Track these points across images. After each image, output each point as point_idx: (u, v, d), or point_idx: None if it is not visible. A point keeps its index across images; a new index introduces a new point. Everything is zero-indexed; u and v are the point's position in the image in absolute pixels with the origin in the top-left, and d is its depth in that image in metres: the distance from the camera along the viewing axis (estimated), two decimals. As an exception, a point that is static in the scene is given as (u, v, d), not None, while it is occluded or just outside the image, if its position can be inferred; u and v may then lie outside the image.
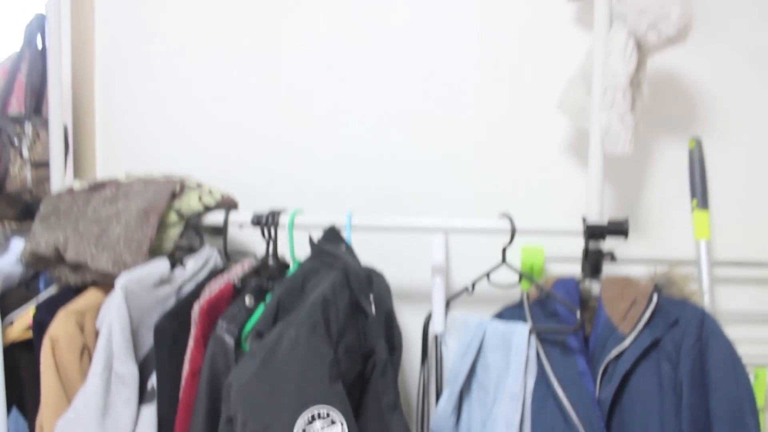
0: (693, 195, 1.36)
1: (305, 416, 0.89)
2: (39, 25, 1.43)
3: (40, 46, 1.45)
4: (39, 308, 1.21)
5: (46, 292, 1.29)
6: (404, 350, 1.34)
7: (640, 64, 1.17)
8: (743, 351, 1.08)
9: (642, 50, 1.15)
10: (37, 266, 1.27)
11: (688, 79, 1.38)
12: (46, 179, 1.42)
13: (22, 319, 1.25)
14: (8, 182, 1.35)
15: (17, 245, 1.33)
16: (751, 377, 1.29)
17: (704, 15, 1.35)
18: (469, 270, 1.26)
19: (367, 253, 1.20)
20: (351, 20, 1.46)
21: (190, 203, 1.24)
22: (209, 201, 1.25)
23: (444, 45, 1.43)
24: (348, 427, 0.91)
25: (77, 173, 1.56)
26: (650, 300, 1.08)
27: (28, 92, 1.42)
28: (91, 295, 1.21)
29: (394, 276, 1.21)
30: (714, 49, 1.36)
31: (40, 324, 1.16)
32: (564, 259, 1.34)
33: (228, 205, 1.30)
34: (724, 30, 1.36)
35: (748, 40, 1.36)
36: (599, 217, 1.18)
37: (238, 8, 1.50)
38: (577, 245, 1.20)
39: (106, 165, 1.57)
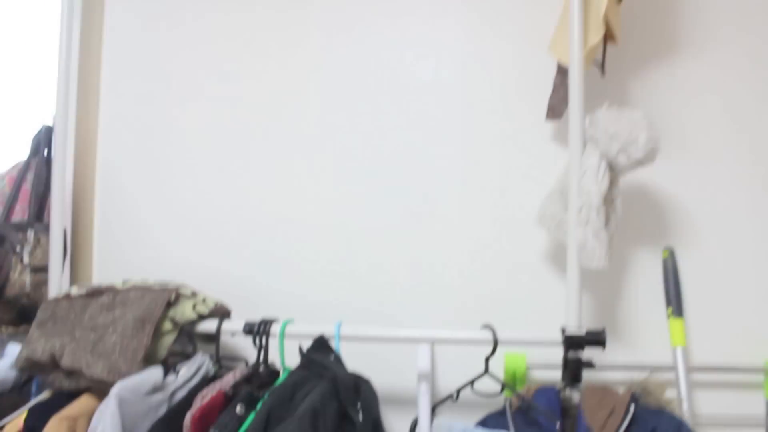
0: (668, 303, 1.42)
1: None
2: (46, 135, 1.51)
3: (45, 155, 1.52)
4: (31, 413, 1.22)
5: (39, 397, 1.31)
6: (392, 456, 1.36)
7: (613, 182, 1.25)
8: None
9: (614, 170, 1.23)
10: (32, 371, 1.29)
11: (660, 192, 1.46)
12: (44, 283, 1.46)
13: (13, 425, 1.25)
14: (8, 288, 1.39)
15: (13, 350, 1.35)
16: (731, 483, 1.32)
17: (674, 130, 1.45)
18: (454, 377, 1.29)
19: (355, 360, 1.23)
20: (338, 138, 1.55)
21: (184, 312, 1.28)
22: (203, 309, 1.30)
23: (428, 161, 1.52)
24: None
25: (74, 276, 1.60)
26: (627, 410, 1.12)
27: (32, 200, 1.49)
28: (83, 402, 1.22)
29: (381, 383, 1.23)
30: (682, 162, 1.45)
31: (32, 430, 1.17)
32: (546, 365, 1.38)
33: (221, 313, 1.35)
34: (693, 144, 1.45)
35: (716, 153, 1.45)
36: (578, 327, 1.23)
37: (234, 125, 1.59)
38: (558, 352, 1.24)
39: (103, 270, 1.61)
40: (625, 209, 1.39)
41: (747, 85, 1.45)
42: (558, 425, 1.12)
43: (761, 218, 1.44)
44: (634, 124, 1.20)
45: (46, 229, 1.48)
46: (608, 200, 1.26)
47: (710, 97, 1.46)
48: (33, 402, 1.28)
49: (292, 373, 1.17)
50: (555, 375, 1.29)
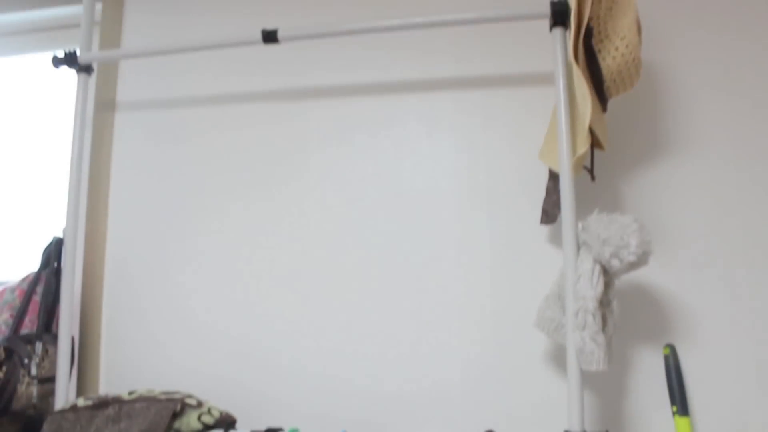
0: (672, 401, 1.41)
1: None
2: (57, 248, 1.56)
3: (55, 267, 1.56)
4: None
5: None
6: None
7: (608, 285, 1.27)
8: None
9: (609, 274, 1.26)
10: (37, 488, 1.30)
11: (657, 290, 1.48)
12: (51, 393, 1.47)
13: None
14: (14, 401, 1.41)
15: (19, 465, 1.36)
16: None
17: (670, 228, 1.48)
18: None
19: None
20: (340, 249, 1.60)
21: (190, 423, 1.29)
22: (208, 420, 1.31)
23: (426, 268, 1.56)
24: None
25: (81, 386, 1.62)
26: None
27: (41, 311, 1.52)
28: None
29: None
30: (678, 261, 1.47)
31: None
32: (552, 469, 1.37)
33: (226, 423, 1.35)
34: (687, 242, 1.48)
35: (710, 250, 1.47)
36: (580, 429, 1.23)
37: (240, 232, 1.64)
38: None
39: (110, 378, 1.63)
40: (623, 307, 1.42)
41: (736, 183, 1.49)
42: None
43: (760, 311, 1.45)
44: (624, 228, 1.23)
45: (55, 339, 1.51)
46: (605, 303, 1.28)
47: (701, 195, 1.49)
48: None
49: (296, 486, 1.17)
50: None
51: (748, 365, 1.44)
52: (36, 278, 1.54)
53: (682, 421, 1.39)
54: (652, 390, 1.45)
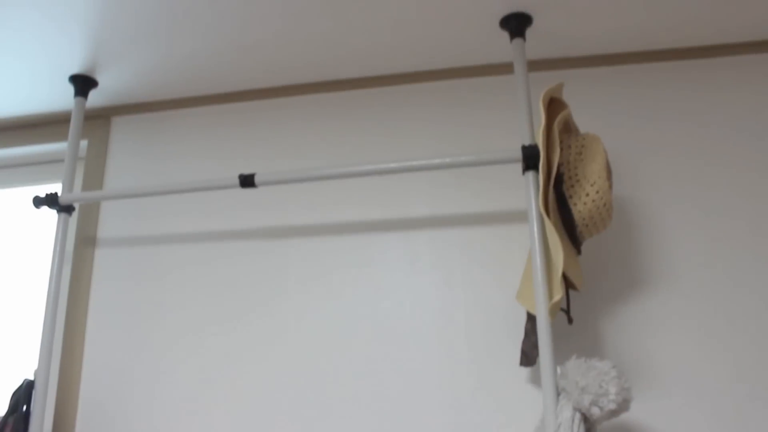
0: None
1: None
2: (27, 391, 1.51)
3: (24, 410, 1.52)
4: None
5: None
6: None
7: (591, 431, 1.25)
8: None
9: (590, 421, 1.24)
10: None
11: (643, 429, 1.45)
12: None
13: None
14: None
15: None
16: None
17: (651, 365, 1.47)
18: None
19: None
20: (318, 386, 1.58)
21: None
22: None
23: (406, 407, 1.53)
24: None
25: None
26: None
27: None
28: None
29: None
30: (660, 400, 1.45)
31: None
32: None
33: None
34: (669, 377, 1.46)
35: (693, 384, 1.45)
36: None
37: (216, 370, 1.62)
38: None
39: None
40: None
41: (716, 310, 1.49)
42: None
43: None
44: (603, 376, 1.22)
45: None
46: (588, 444, 1.25)
47: (681, 327, 1.49)
48: None
49: None
50: None
51: None
52: (2, 425, 1.49)
53: None
54: None
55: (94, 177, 1.85)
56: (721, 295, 1.50)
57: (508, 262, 1.57)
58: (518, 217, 1.61)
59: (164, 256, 1.75)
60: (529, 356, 1.44)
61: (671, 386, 1.47)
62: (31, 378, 1.52)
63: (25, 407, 1.52)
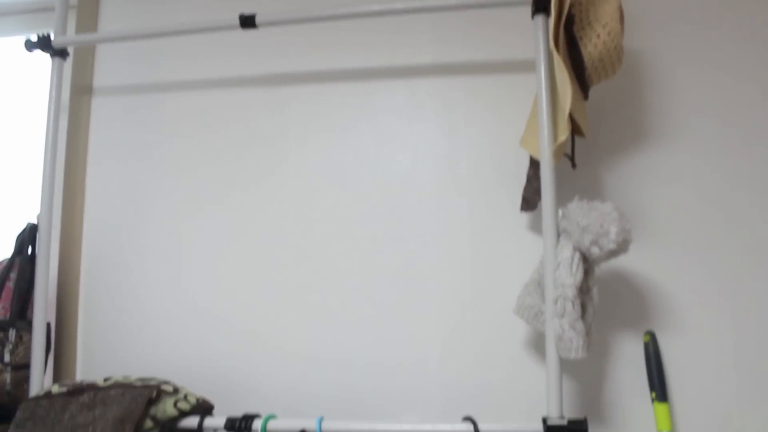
0: (652, 388, 1.42)
1: None
2: (31, 234, 1.53)
3: (29, 253, 1.54)
4: None
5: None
6: None
7: (588, 273, 1.27)
8: None
9: (588, 261, 1.26)
10: (10, 475, 1.28)
11: (638, 277, 1.48)
12: (26, 380, 1.45)
13: None
14: (-13, 388, 1.39)
15: (-9, 452, 1.34)
16: None
17: (647, 216, 1.48)
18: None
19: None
20: (318, 233, 1.59)
21: (165, 409, 1.27)
22: (184, 406, 1.29)
23: (404, 254, 1.55)
24: None
25: (58, 372, 1.60)
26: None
27: (15, 298, 1.49)
28: (62, 506, 1.21)
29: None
30: (659, 247, 1.48)
31: None
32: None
33: (203, 409, 1.34)
34: (668, 229, 1.48)
35: (690, 237, 1.47)
36: (559, 417, 1.23)
37: (215, 220, 1.62)
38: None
39: (87, 363, 1.61)
40: (603, 294, 1.42)
41: (717, 170, 1.49)
42: None
43: (739, 299, 1.46)
44: (604, 216, 1.23)
45: (29, 326, 1.48)
46: (584, 290, 1.27)
47: (681, 183, 1.50)
48: (10, 508, 1.27)
49: (272, 473, 1.16)
50: (539, 466, 1.28)
51: (727, 352, 1.45)
52: (9, 265, 1.51)
53: (661, 407, 1.40)
54: (632, 377, 1.46)
55: (87, 23, 1.78)
56: (726, 154, 1.49)
57: (512, 109, 1.55)
58: (524, 66, 1.57)
59: (162, 103, 1.71)
60: (530, 202, 1.45)
61: (669, 237, 1.48)
62: (35, 222, 1.53)
63: (30, 249, 1.53)
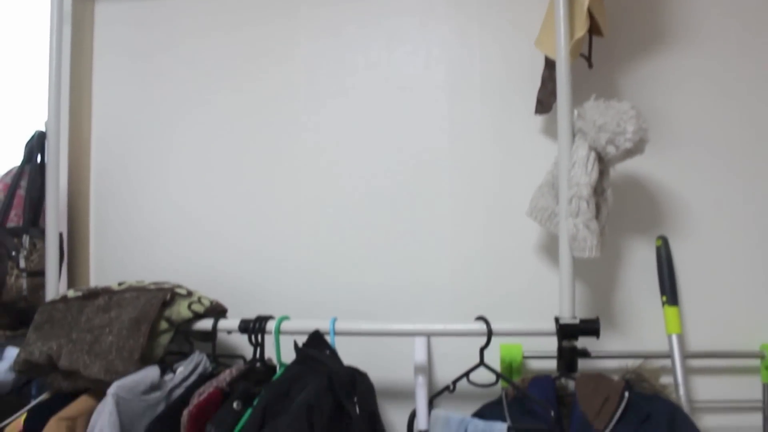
0: (662, 291, 1.43)
1: None
2: (39, 141, 1.51)
3: (39, 161, 1.53)
4: (30, 414, 1.24)
5: (38, 399, 1.31)
6: (390, 447, 1.37)
7: (603, 173, 1.26)
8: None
9: (603, 161, 1.24)
10: (30, 374, 1.30)
11: (652, 181, 1.46)
12: (41, 287, 1.47)
13: (12, 426, 1.26)
14: (4, 292, 1.40)
15: (11, 353, 1.37)
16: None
17: (663, 121, 1.46)
18: (450, 369, 1.30)
19: (352, 354, 1.24)
20: (331, 137, 1.57)
21: (180, 311, 1.29)
22: (198, 308, 1.31)
23: (417, 157, 1.53)
24: None
25: (72, 280, 1.61)
26: (622, 396, 1.13)
27: (27, 205, 1.49)
28: (82, 402, 1.24)
29: (378, 375, 1.24)
30: (674, 152, 1.46)
31: (32, 431, 1.18)
32: (541, 354, 1.39)
33: (217, 311, 1.36)
34: (683, 133, 1.46)
35: (705, 142, 1.45)
36: (571, 317, 1.24)
37: (231, 129, 1.60)
38: (553, 341, 1.25)
39: (101, 271, 1.62)
40: (618, 199, 1.40)
41: (735, 73, 1.46)
42: (552, 414, 1.13)
43: (753, 204, 1.45)
44: (621, 114, 1.21)
45: (42, 233, 1.49)
46: (599, 191, 1.26)
47: (698, 86, 1.46)
48: (32, 404, 1.30)
49: (287, 369, 1.18)
50: (551, 364, 1.30)
51: (738, 257, 1.45)
52: (19, 173, 1.50)
53: (671, 310, 1.41)
54: (643, 281, 1.46)
55: None
56: (745, 55, 1.45)
57: (527, 11, 1.50)
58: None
59: (168, 3, 1.66)
60: (544, 104, 1.42)
61: (684, 141, 1.46)
62: (42, 129, 1.51)
63: (39, 157, 1.52)
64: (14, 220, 1.48)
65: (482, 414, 1.26)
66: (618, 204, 1.43)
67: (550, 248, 1.47)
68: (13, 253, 1.43)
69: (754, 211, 1.45)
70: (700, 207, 1.46)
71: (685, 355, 1.39)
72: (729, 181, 1.45)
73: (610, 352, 1.42)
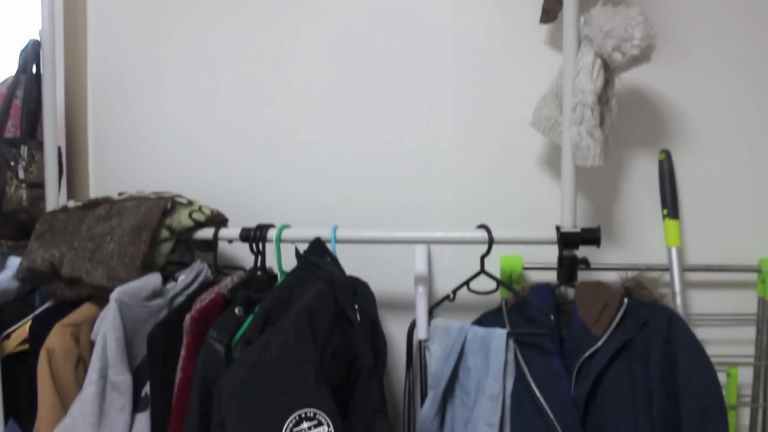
0: (663, 205, 1.42)
1: (293, 418, 0.94)
2: (34, 51, 1.48)
3: (34, 71, 1.50)
4: (35, 321, 1.26)
5: (43, 307, 1.33)
6: (390, 357, 1.40)
7: (608, 82, 1.23)
8: (716, 351, 1.14)
9: (609, 69, 1.22)
10: (33, 282, 1.31)
11: (656, 94, 1.44)
12: (41, 199, 1.46)
13: (18, 332, 1.29)
14: (4, 202, 1.40)
15: (14, 262, 1.37)
16: (723, 376, 1.36)
17: (670, 33, 1.42)
18: (451, 279, 1.30)
19: (352, 264, 1.24)
20: (332, 39, 1.53)
21: (180, 219, 1.29)
22: (199, 217, 1.30)
23: (421, 66, 1.50)
24: (334, 428, 0.95)
25: (71, 194, 1.61)
26: (621, 303, 1.14)
27: (23, 116, 1.47)
28: (86, 309, 1.25)
29: (379, 286, 1.24)
30: (680, 65, 1.43)
31: (37, 336, 1.20)
32: (541, 266, 1.40)
33: (218, 220, 1.36)
34: (689, 46, 1.43)
35: (712, 55, 1.43)
36: (572, 226, 1.24)
37: (228, 38, 1.57)
38: (554, 254, 1.25)
39: (100, 185, 1.62)
40: (622, 111, 1.38)
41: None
42: (552, 318, 1.14)
43: (758, 120, 1.43)
44: (629, 21, 1.18)
45: (40, 145, 1.47)
46: (603, 100, 1.24)
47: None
48: (37, 311, 1.31)
49: (289, 275, 1.19)
50: (551, 276, 1.30)
51: (741, 171, 1.44)
52: (14, 82, 1.47)
53: (672, 223, 1.41)
54: (645, 194, 1.46)
55: None
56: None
57: None
58: None
59: None
60: (549, 13, 1.39)
61: (691, 54, 1.43)
62: (37, 38, 1.48)
63: (34, 68, 1.50)
64: (11, 131, 1.46)
65: (482, 322, 1.27)
66: (622, 117, 1.41)
67: (552, 161, 1.45)
68: (12, 163, 1.42)
69: (760, 127, 1.43)
70: (705, 121, 1.44)
71: (684, 269, 1.40)
72: (735, 96, 1.43)
73: (610, 264, 1.43)
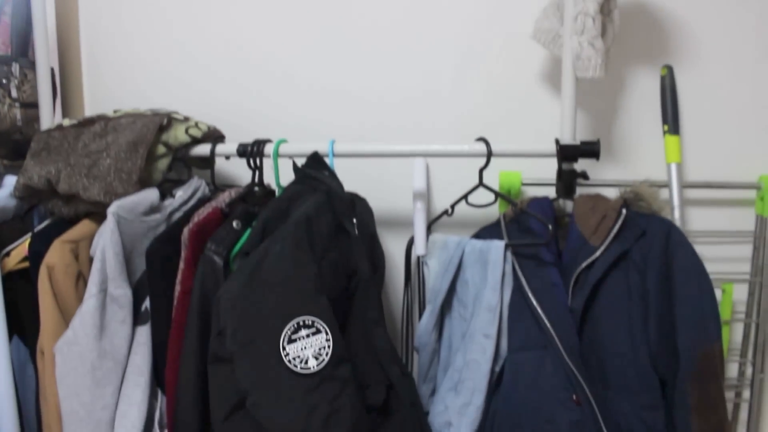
0: (664, 121, 1.41)
1: (291, 325, 0.95)
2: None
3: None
4: (35, 238, 1.26)
5: (41, 224, 1.33)
6: (388, 273, 1.40)
7: (611, -8, 1.21)
8: (713, 268, 1.14)
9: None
10: (31, 199, 1.31)
11: (659, 8, 1.41)
12: (36, 119, 1.45)
13: (18, 250, 1.29)
14: (-2, 121, 1.39)
15: (10, 181, 1.36)
16: (719, 293, 1.37)
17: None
18: (450, 196, 1.29)
19: (350, 180, 1.23)
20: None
21: (177, 135, 1.27)
22: (196, 133, 1.29)
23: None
24: (332, 336, 0.96)
25: (66, 114, 1.58)
26: (619, 214, 1.14)
27: (13, 34, 1.44)
28: (84, 226, 1.25)
29: (377, 202, 1.23)
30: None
31: (37, 253, 1.20)
32: (540, 182, 1.39)
33: (215, 137, 1.34)
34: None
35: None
36: (572, 139, 1.23)
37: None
38: (553, 171, 1.24)
39: (94, 105, 1.60)
40: (624, 25, 1.35)
41: None
42: (550, 228, 1.14)
43: (762, 37, 1.40)
44: None
45: (32, 65, 1.45)
46: (605, 11, 1.22)
47: None
48: (36, 229, 1.31)
49: (286, 189, 1.18)
50: (549, 192, 1.29)
51: (743, 87, 1.42)
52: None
53: (672, 139, 1.40)
54: (646, 110, 1.44)
55: None
56: None
57: None
58: None
59: None
60: None
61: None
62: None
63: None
64: (1, 48, 1.43)
65: (480, 235, 1.27)
66: (624, 30, 1.38)
67: (552, 75, 1.43)
68: (4, 81, 1.39)
69: (764, 43, 1.40)
70: (708, 36, 1.42)
71: (683, 185, 1.40)
72: (739, 12, 1.40)
73: (609, 180, 1.42)
